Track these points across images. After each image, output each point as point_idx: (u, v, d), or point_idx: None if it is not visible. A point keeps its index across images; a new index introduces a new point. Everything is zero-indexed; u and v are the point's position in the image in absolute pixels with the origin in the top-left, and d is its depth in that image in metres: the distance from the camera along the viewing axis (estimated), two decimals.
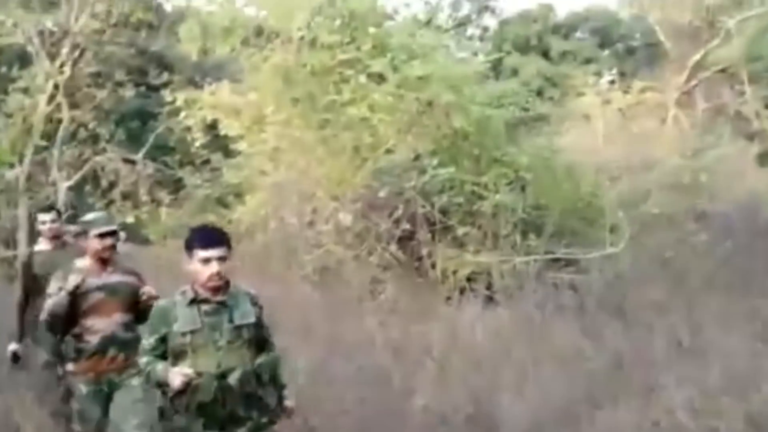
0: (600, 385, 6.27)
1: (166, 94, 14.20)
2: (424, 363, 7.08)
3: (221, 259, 3.92)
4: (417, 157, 9.55)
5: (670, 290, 8.72)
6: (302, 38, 10.37)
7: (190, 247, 3.94)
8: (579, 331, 7.56)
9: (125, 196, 16.44)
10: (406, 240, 9.47)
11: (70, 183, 16.25)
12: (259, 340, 4.08)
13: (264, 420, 4.01)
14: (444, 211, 9.36)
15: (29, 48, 16.05)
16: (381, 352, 7.34)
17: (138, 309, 5.13)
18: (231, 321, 3.98)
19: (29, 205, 15.74)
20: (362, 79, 9.51)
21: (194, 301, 3.99)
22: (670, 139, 16.40)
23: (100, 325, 5.12)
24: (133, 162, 16.69)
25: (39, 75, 16.13)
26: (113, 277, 5.19)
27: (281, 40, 10.71)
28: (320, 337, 7.78)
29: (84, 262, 5.22)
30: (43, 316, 5.17)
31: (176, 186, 16.24)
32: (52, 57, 15.97)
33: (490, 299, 8.77)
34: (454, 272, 9.05)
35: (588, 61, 28.54)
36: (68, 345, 5.20)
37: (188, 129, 13.65)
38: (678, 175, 12.29)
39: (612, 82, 19.63)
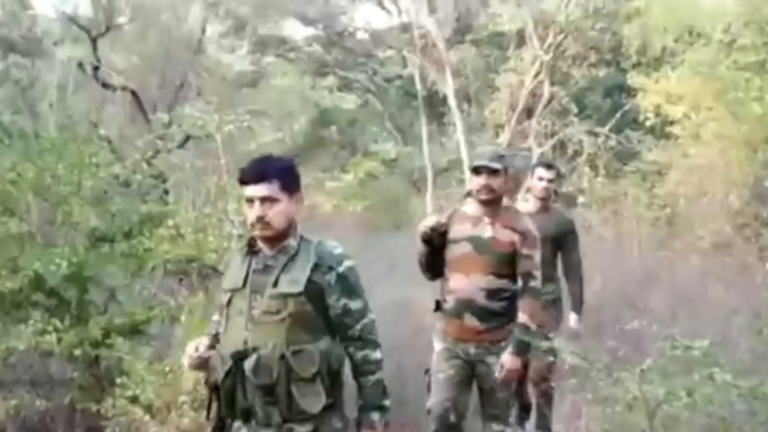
0: None
1: (631, 76, 16.43)
2: None
3: (266, 199, 2.98)
4: None
5: None
6: (721, 40, 11.77)
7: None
8: None
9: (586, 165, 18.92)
10: None
11: (542, 150, 19.20)
12: (313, 319, 3.01)
13: (292, 426, 2.99)
14: None
15: (526, 31, 19.27)
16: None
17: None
18: (276, 285, 3.01)
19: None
20: (758, 80, 10.68)
21: (249, 252, 3.11)
22: None
23: (460, 284, 4.26)
24: (596, 134, 19.02)
25: (526, 56, 19.28)
26: (487, 230, 4.20)
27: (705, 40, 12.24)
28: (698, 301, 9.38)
29: (469, 205, 4.35)
30: None
31: (631, 158, 18.16)
32: (542, 40, 18.92)
33: None
34: None
35: None
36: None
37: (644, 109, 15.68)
38: None
39: None
